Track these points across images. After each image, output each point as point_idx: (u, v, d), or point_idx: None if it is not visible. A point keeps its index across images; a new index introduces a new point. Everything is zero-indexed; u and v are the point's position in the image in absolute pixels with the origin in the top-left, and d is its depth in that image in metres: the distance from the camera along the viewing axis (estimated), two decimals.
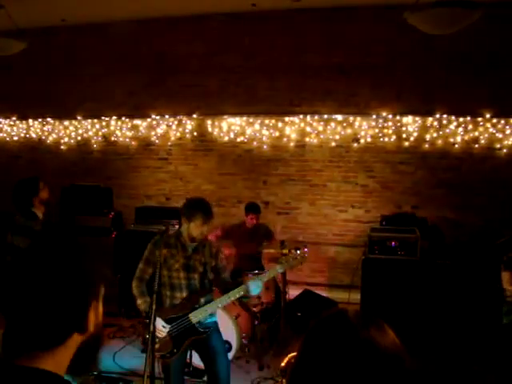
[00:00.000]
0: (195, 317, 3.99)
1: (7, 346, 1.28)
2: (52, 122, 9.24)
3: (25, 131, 9.42)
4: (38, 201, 4.97)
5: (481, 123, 7.45)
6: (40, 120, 9.29)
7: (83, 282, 1.34)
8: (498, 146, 7.43)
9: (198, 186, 8.58)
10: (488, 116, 7.39)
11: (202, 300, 4.06)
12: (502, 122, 7.37)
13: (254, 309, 6.10)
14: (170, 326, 3.97)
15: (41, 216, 4.94)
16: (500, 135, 7.40)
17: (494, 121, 7.40)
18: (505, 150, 7.40)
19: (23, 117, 9.38)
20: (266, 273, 4.26)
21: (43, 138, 9.34)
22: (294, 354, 1.31)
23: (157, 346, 3.89)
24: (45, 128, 9.30)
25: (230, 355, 5.61)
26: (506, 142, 7.38)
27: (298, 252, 4.23)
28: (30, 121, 9.35)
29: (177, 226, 7.56)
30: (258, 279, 4.05)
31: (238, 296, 4.04)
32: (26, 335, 1.27)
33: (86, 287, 1.35)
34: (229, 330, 5.55)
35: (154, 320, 3.61)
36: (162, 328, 3.92)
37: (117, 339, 6.56)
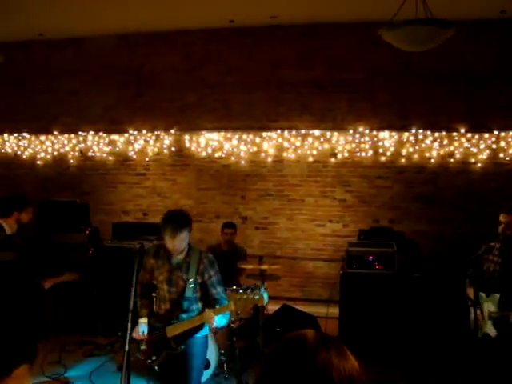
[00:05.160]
0: (170, 331, 4.04)
1: None
2: (28, 136, 9.13)
3: (0, 146, 9.30)
4: (15, 217, 4.89)
5: (456, 138, 7.56)
6: (16, 135, 9.18)
7: (34, 311, 1.29)
8: (473, 160, 7.54)
9: (176, 202, 8.53)
10: (463, 131, 7.50)
11: (184, 316, 4.08)
12: (477, 136, 7.49)
13: (233, 325, 6.06)
14: (150, 334, 4.09)
15: (8, 232, 4.86)
16: (474, 150, 7.51)
17: (469, 135, 7.52)
18: (479, 165, 7.51)
19: None
20: (218, 306, 4.14)
21: (19, 153, 9.22)
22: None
23: (143, 347, 4.08)
24: (20, 143, 9.19)
25: (209, 372, 5.57)
26: (480, 157, 7.50)
27: (254, 291, 4.18)
28: (6, 135, 9.24)
29: (155, 242, 7.52)
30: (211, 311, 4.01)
31: (197, 323, 4.06)
32: None
33: (37, 317, 1.30)
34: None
35: (130, 340, 3.59)
36: (140, 331, 4.05)
37: (93, 357, 6.47)
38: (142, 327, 4.09)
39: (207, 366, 5.53)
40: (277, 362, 1.22)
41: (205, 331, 4.25)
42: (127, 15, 7.59)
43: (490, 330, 4.78)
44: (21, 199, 5.07)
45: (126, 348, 3.54)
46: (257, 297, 4.06)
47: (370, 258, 6.64)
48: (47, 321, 1.33)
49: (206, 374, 5.50)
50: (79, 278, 5.24)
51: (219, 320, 4.06)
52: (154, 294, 4.18)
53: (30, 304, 1.31)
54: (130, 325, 3.57)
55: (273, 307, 7.08)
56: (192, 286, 4.07)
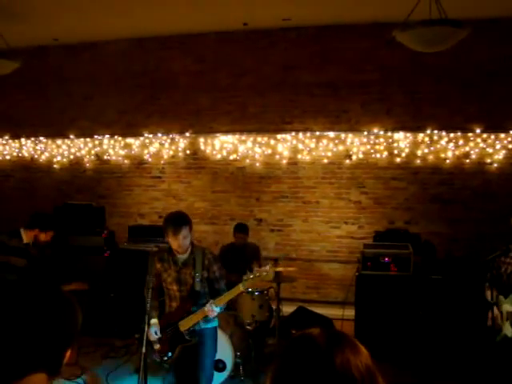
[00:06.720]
0: (182, 325, 4.28)
1: None
2: (44, 140, 9.22)
3: (17, 150, 9.40)
4: (35, 233, 5.01)
5: (471, 138, 7.51)
6: (32, 139, 9.27)
7: (63, 323, 1.28)
8: (489, 160, 7.48)
9: (191, 204, 8.56)
10: (478, 131, 7.45)
11: (195, 309, 4.29)
12: (492, 136, 7.43)
13: (248, 327, 6.07)
14: (164, 332, 4.31)
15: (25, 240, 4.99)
16: (490, 150, 7.45)
17: (484, 136, 7.46)
18: (495, 165, 7.45)
19: (15, 136, 9.36)
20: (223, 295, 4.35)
21: (36, 156, 9.32)
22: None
23: (158, 346, 4.30)
24: (37, 147, 9.29)
25: (225, 374, 5.58)
26: (496, 157, 7.44)
27: (262, 268, 4.30)
28: (23, 140, 9.33)
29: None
30: (213, 303, 4.20)
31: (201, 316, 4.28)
32: None
33: (65, 329, 1.28)
34: (223, 349, 5.50)
35: (147, 341, 3.64)
36: (152, 333, 4.23)
37: (110, 359, 6.50)
38: (153, 328, 4.26)
39: (223, 367, 5.55)
40: (293, 371, 1.19)
41: (214, 323, 4.52)
42: (141, 19, 7.63)
43: (508, 330, 4.74)
44: (46, 221, 5.22)
45: (143, 350, 3.57)
46: (264, 273, 4.24)
47: (386, 259, 6.61)
48: (74, 333, 1.32)
49: (222, 376, 5.52)
50: (88, 287, 5.36)
51: (220, 310, 4.30)
52: (162, 298, 4.44)
53: (49, 311, 1.30)
54: (147, 327, 3.62)
55: (288, 309, 7.08)
56: (199, 280, 4.29)
